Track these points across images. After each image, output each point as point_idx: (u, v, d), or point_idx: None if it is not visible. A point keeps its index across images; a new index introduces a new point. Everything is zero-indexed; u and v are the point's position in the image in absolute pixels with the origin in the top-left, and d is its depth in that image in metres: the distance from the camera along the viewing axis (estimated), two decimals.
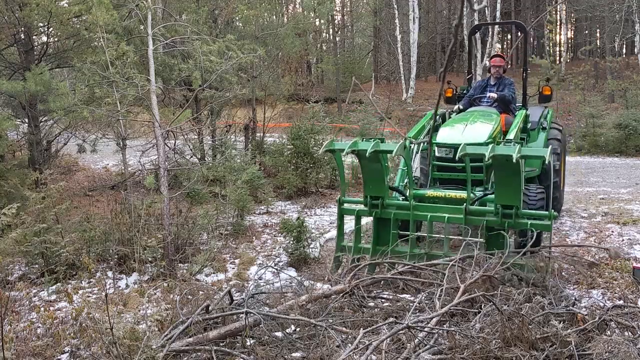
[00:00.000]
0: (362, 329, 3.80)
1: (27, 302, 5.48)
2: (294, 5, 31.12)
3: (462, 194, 5.90)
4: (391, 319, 3.99)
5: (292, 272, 6.25)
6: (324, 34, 33.09)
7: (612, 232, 7.23)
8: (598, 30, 33.07)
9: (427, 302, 4.48)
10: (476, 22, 21.61)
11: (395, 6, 27.63)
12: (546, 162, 5.29)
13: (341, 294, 4.76)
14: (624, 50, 30.70)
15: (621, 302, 4.83)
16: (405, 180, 6.35)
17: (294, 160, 10.59)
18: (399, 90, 28.52)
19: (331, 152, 5.97)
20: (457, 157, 5.33)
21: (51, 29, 9.30)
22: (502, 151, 5.07)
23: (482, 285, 4.62)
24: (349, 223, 6.85)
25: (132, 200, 6.81)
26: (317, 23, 28.11)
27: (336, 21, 34.19)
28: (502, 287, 4.59)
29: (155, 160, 7.73)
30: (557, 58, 36.07)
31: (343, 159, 6.07)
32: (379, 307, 4.82)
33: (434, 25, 35.48)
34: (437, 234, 5.94)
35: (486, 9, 24.41)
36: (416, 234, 5.80)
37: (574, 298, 4.85)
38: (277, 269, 6.19)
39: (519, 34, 16.17)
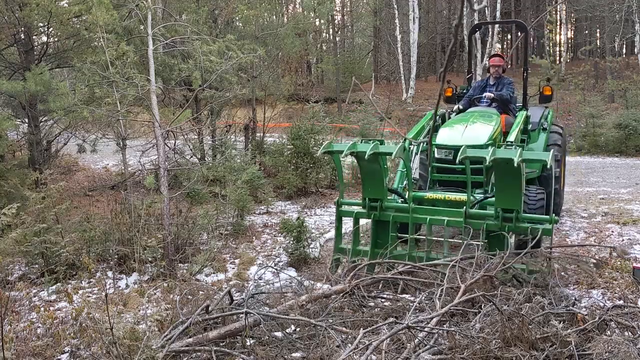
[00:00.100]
0: (362, 329, 3.80)
1: (27, 302, 5.48)
2: (294, 5, 31.14)
3: (461, 196, 5.83)
4: (391, 319, 3.99)
5: (292, 272, 6.25)
6: (324, 34, 33.10)
7: (612, 232, 7.23)
8: (598, 30, 33.08)
9: (427, 302, 4.48)
10: (476, 22, 21.63)
11: (395, 6, 27.63)
12: (548, 166, 5.23)
13: (341, 294, 4.75)
14: (624, 50, 30.70)
15: (621, 302, 4.83)
16: (405, 182, 6.29)
17: (294, 160, 10.59)
18: (399, 90, 28.52)
19: (329, 154, 5.92)
20: (457, 160, 5.27)
21: (51, 29, 9.30)
22: (503, 154, 5.02)
23: (483, 285, 4.61)
24: (348, 223, 6.83)
25: (132, 200, 6.81)
26: (317, 23, 28.12)
27: (336, 21, 34.20)
28: (502, 287, 4.59)
29: (155, 160, 7.73)
30: (557, 58, 36.07)
31: (342, 159, 6.03)
32: (379, 306, 4.82)
33: (434, 25, 35.48)
34: (436, 235, 5.90)
35: (486, 9, 24.41)
36: (415, 235, 5.73)
37: (574, 298, 4.85)
38: (276, 269, 6.18)
39: (519, 33, 16.15)
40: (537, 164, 6.56)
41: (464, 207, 5.47)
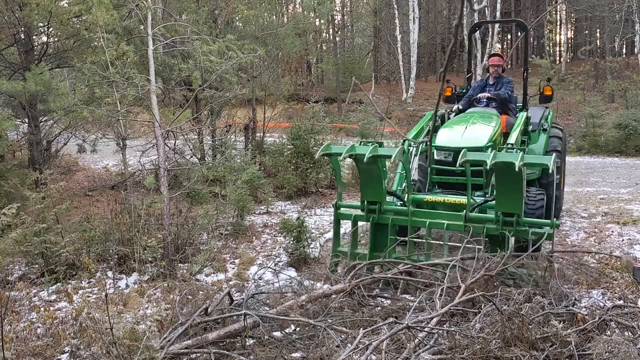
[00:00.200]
0: (362, 329, 3.80)
1: (27, 302, 5.48)
2: (294, 5, 31.15)
3: (461, 199, 5.76)
4: (391, 319, 3.99)
5: (292, 272, 6.25)
6: (324, 34, 33.11)
7: (612, 232, 7.23)
8: (598, 30, 33.09)
9: (427, 302, 4.47)
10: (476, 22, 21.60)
11: (395, 6, 27.64)
12: (550, 171, 5.18)
13: (341, 294, 4.74)
14: (624, 50, 30.71)
15: (621, 302, 4.83)
16: (404, 185, 6.22)
17: (294, 160, 10.59)
18: (399, 90, 28.53)
19: (328, 156, 5.83)
20: (458, 164, 5.22)
21: (51, 29, 9.30)
22: (504, 158, 4.96)
23: (483, 285, 4.60)
24: (348, 224, 6.81)
25: (132, 200, 6.81)
26: (317, 23, 28.13)
27: (336, 21, 34.22)
28: (502, 287, 4.58)
29: (155, 160, 7.73)
30: (557, 58, 36.08)
31: (341, 161, 5.95)
32: (380, 306, 4.81)
33: (434, 25, 35.49)
34: (435, 238, 5.82)
35: (486, 9, 24.43)
36: (414, 236, 5.66)
37: (574, 298, 4.85)
38: (274, 269, 6.16)
39: (520, 33, 16.16)
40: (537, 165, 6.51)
41: (464, 211, 5.41)
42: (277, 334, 4.29)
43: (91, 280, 6.08)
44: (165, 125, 6.95)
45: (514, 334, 3.65)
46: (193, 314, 4.27)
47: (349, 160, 6.05)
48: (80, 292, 5.74)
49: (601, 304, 4.75)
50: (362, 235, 6.59)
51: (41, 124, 9.54)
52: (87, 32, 8.54)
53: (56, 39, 10.01)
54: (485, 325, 3.90)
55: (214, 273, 6.30)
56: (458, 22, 2.78)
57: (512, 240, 5.14)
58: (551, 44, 37.37)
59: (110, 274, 6.21)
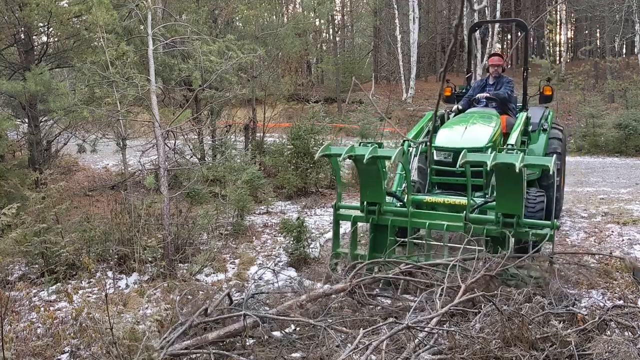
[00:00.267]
0: (362, 329, 3.80)
1: (27, 302, 5.48)
2: (294, 5, 31.16)
3: (461, 200, 5.73)
4: (391, 319, 3.99)
5: (292, 272, 6.25)
6: (324, 34, 33.12)
7: (612, 232, 7.23)
8: (598, 30, 33.10)
9: (427, 302, 4.47)
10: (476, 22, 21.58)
11: (395, 6, 27.65)
12: (550, 172, 5.14)
13: (342, 293, 4.72)
14: (624, 50, 30.71)
15: (621, 302, 4.83)
16: (403, 185, 6.18)
17: (294, 160, 10.59)
18: (399, 90, 28.54)
19: (327, 157, 5.79)
20: (458, 165, 5.18)
21: (51, 29, 9.30)
22: (504, 159, 4.93)
23: (483, 284, 4.60)
24: (347, 224, 6.78)
25: (132, 200, 6.81)
26: (317, 23, 28.14)
27: (336, 21, 34.23)
28: (502, 287, 4.57)
29: (155, 160, 7.73)
30: (557, 58, 36.10)
31: (340, 162, 5.90)
32: (380, 306, 4.81)
33: (434, 25, 35.50)
34: (435, 238, 5.78)
35: (486, 8, 24.43)
36: (413, 237, 5.63)
37: (574, 298, 4.84)
38: (273, 269, 6.14)
39: (520, 33, 16.14)
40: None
41: (464, 212, 5.38)
42: (277, 333, 4.29)
43: (91, 280, 6.08)
44: (165, 125, 6.95)
45: (514, 334, 3.65)
46: (193, 315, 4.27)
47: (349, 160, 6.00)
48: (80, 292, 5.74)
49: (601, 304, 4.75)
50: (362, 235, 6.58)
51: (41, 124, 9.55)
52: (87, 32, 8.54)
53: (56, 39, 10.02)
54: (485, 325, 3.90)
55: (214, 273, 6.30)
56: (458, 22, 2.78)
57: (512, 240, 5.12)
58: (551, 44, 37.39)
59: (110, 274, 6.21)
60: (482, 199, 5.80)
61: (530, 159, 5.22)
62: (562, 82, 21.37)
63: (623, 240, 6.86)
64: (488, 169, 4.92)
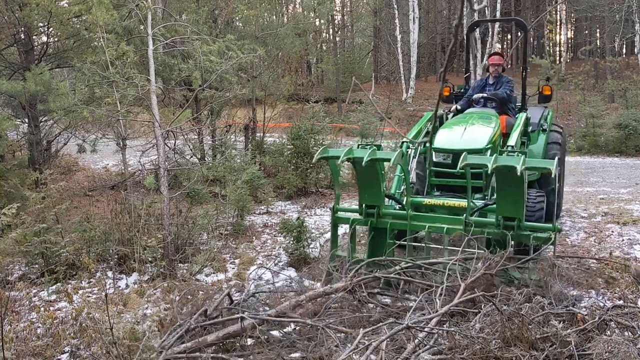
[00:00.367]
0: (362, 329, 3.80)
1: (27, 302, 5.49)
2: (294, 5, 31.17)
3: (461, 202, 5.66)
4: (391, 319, 3.98)
5: (292, 272, 6.25)
6: (324, 34, 33.13)
7: (612, 232, 7.22)
8: (598, 30, 33.11)
9: (427, 302, 4.46)
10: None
11: (395, 6, 27.65)
12: (552, 175, 5.04)
13: (342, 292, 4.69)
14: (624, 50, 30.72)
15: (621, 302, 4.82)
16: (402, 188, 6.11)
17: (294, 160, 10.59)
18: (399, 90, 28.54)
19: (325, 160, 5.71)
20: (458, 167, 5.11)
21: (51, 29, 9.31)
22: (505, 162, 4.87)
23: (483, 283, 4.58)
24: (346, 226, 6.67)
25: (132, 200, 6.81)
26: (317, 23, 28.15)
27: (336, 21, 34.24)
28: (503, 287, 4.56)
29: (155, 160, 7.73)
30: (557, 58, 36.10)
31: (338, 165, 5.78)
32: (380, 305, 4.79)
33: (434, 25, 35.51)
34: (435, 238, 5.72)
35: (486, 8, 24.43)
36: (413, 242, 5.54)
37: (574, 298, 4.84)
38: (270, 269, 6.13)
39: (519, 33, 16.14)
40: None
41: (464, 215, 5.32)
42: (276, 333, 4.28)
43: (91, 280, 6.08)
44: (165, 125, 6.95)
45: (513, 334, 3.65)
46: (192, 316, 4.25)
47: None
48: (80, 292, 5.74)
49: (601, 304, 4.75)
50: (361, 235, 6.56)
51: (41, 124, 9.55)
52: (87, 32, 8.55)
53: (56, 39, 10.02)
54: (485, 326, 3.90)
55: (214, 273, 6.30)
56: (458, 22, 2.78)
57: (512, 243, 5.07)
58: (551, 44, 37.40)
59: (110, 274, 6.21)
60: (482, 202, 5.72)
61: (531, 162, 5.15)
62: (562, 82, 21.36)
63: (623, 240, 6.86)
64: (489, 171, 4.86)
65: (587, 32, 36.50)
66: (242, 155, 10.35)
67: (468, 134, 6.16)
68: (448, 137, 6.23)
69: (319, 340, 3.92)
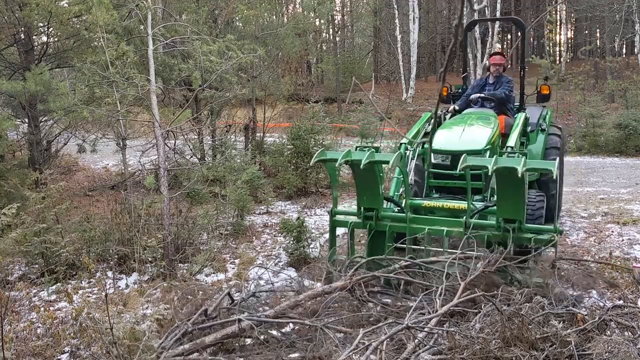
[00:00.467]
0: (362, 329, 3.80)
1: (27, 302, 5.49)
2: (294, 5, 31.17)
3: (460, 204, 5.61)
4: (391, 319, 3.98)
5: (292, 272, 6.25)
6: (324, 34, 33.12)
7: (612, 232, 7.23)
8: (598, 30, 33.11)
9: (426, 301, 4.45)
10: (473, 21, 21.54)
11: (395, 6, 27.65)
12: (554, 176, 5.01)
13: (341, 291, 4.67)
14: (624, 50, 30.71)
15: (621, 302, 4.82)
16: (401, 190, 6.04)
17: (294, 160, 10.59)
18: (399, 90, 28.54)
19: (323, 162, 5.63)
20: (458, 169, 5.04)
21: (51, 29, 9.31)
22: (506, 163, 4.81)
23: (484, 282, 4.57)
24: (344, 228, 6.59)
25: (132, 200, 6.81)
26: (317, 23, 28.14)
27: (336, 21, 34.24)
28: (503, 287, 4.56)
29: (155, 160, 7.74)
30: (557, 58, 36.10)
31: (337, 168, 5.70)
32: (380, 304, 4.78)
33: (434, 25, 35.51)
34: (434, 239, 5.64)
35: (486, 8, 24.43)
36: (413, 236, 5.48)
37: (574, 298, 4.83)
38: (267, 268, 6.12)
39: (519, 33, 16.09)
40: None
41: (464, 217, 5.28)
42: (275, 333, 4.28)
43: (91, 280, 6.08)
44: (165, 125, 6.95)
45: (513, 334, 3.65)
46: (191, 316, 4.23)
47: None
48: (80, 292, 5.74)
49: (601, 304, 4.75)
50: (361, 235, 6.55)
51: (41, 124, 9.55)
52: (87, 32, 8.55)
53: (56, 39, 10.02)
54: (485, 326, 3.89)
55: (214, 273, 6.31)
56: (458, 22, 2.77)
57: (512, 245, 5.04)
58: (551, 44, 37.40)
59: (110, 274, 6.21)
60: (482, 203, 5.67)
61: (532, 163, 5.10)
62: (562, 82, 21.36)
63: (623, 240, 6.86)
64: (489, 173, 4.81)
65: (587, 32, 36.50)
66: (242, 155, 10.35)
67: (467, 134, 6.11)
68: (446, 138, 6.16)
69: (317, 341, 3.91)
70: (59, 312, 5.24)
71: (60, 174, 11.52)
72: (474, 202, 5.59)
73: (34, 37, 9.36)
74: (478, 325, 3.90)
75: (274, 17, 20.30)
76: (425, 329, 3.80)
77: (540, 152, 7.03)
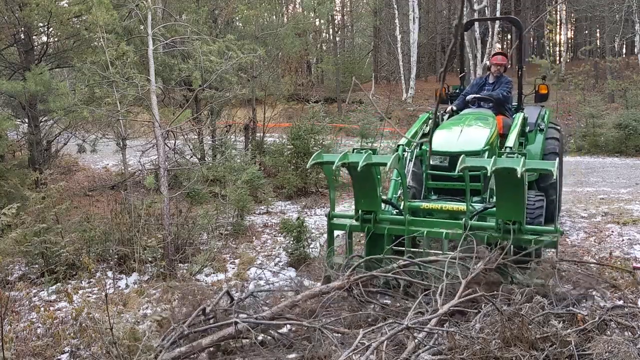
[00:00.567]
0: (361, 329, 3.79)
1: (27, 302, 5.49)
2: (294, 5, 31.17)
3: (459, 206, 5.57)
4: (390, 320, 3.97)
5: (292, 272, 6.25)
6: (324, 34, 33.11)
7: (612, 232, 7.23)
8: (598, 30, 33.11)
9: (425, 301, 4.44)
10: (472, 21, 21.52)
11: (395, 6, 27.65)
12: (553, 177, 4.96)
13: (340, 290, 4.64)
14: (624, 50, 30.72)
15: (621, 302, 4.82)
16: (399, 192, 5.96)
17: (294, 160, 10.59)
18: (399, 90, 28.53)
19: (319, 165, 5.55)
20: (457, 171, 4.97)
21: (51, 29, 9.31)
22: (505, 164, 4.76)
23: (484, 281, 4.56)
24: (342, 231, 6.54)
25: (132, 200, 6.81)
26: (317, 23, 28.13)
27: (336, 21, 34.23)
28: (503, 286, 4.54)
29: (155, 160, 7.74)
30: (557, 58, 36.10)
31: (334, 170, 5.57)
32: (379, 304, 4.76)
33: (434, 25, 35.51)
34: (433, 244, 5.59)
35: (486, 8, 24.43)
36: (412, 249, 5.42)
37: (574, 297, 4.83)
38: (262, 269, 6.11)
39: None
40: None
41: (463, 219, 5.23)
42: (273, 333, 4.27)
43: (91, 280, 6.08)
44: (165, 125, 6.95)
45: (513, 334, 3.65)
46: (188, 317, 4.21)
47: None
48: (80, 292, 5.74)
49: (601, 304, 4.75)
50: (361, 235, 6.53)
51: (41, 124, 9.56)
52: (87, 32, 8.55)
53: (56, 39, 10.03)
54: (485, 326, 3.89)
55: (214, 273, 6.31)
56: (458, 22, 2.76)
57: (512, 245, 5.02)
58: (551, 44, 37.41)
59: (110, 274, 6.21)
60: (482, 205, 5.63)
61: (532, 164, 5.05)
62: (562, 82, 21.36)
63: (623, 240, 6.86)
64: (489, 174, 4.77)
65: (587, 32, 36.50)
66: (242, 155, 10.35)
67: (465, 135, 6.05)
68: (444, 139, 6.09)
69: (316, 342, 3.90)
70: (59, 312, 5.24)
71: (60, 174, 11.52)
72: (473, 204, 5.54)
73: (34, 37, 9.37)
74: (478, 325, 3.90)
75: (274, 17, 20.30)
76: (425, 329, 3.80)
77: (539, 152, 7.01)
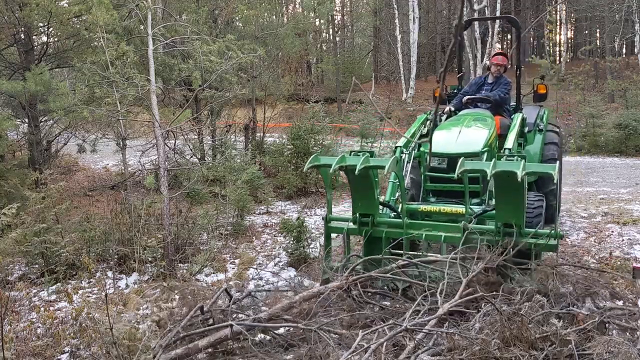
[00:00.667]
0: (360, 330, 3.79)
1: (27, 302, 5.49)
2: (294, 5, 31.17)
3: (458, 208, 5.53)
4: (390, 320, 3.97)
5: (292, 272, 6.25)
6: (324, 34, 33.11)
7: (612, 232, 7.23)
8: (598, 30, 33.10)
9: (425, 301, 4.43)
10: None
11: (395, 6, 27.65)
12: (554, 180, 4.91)
13: (338, 291, 4.63)
14: (624, 50, 30.71)
15: (621, 302, 4.82)
16: (397, 194, 5.90)
17: (294, 160, 10.59)
18: (399, 90, 28.53)
19: (316, 168, 5.53)
20: (456, 174, 4.88)
21: (51, 29, 9.31)
22: (505, 167, 4.70)
23: (484, 280, 4.55)
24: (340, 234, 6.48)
25: (132, 200, 6.81)
26: (317, 23, 28.13)
27: (336, 21, 34.22)
28: (503, 286, 4.53)
29: (155, 160, 7.74)
30: (557, 58, 36.08)
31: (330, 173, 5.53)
32: (378, 305, 4.75)
33: (434, 25, 35.49)
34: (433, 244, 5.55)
35: (486, 8, 24.42)
36: (411, 252, 5.36)
37: (574, 298, 4.82)
38: (258, 270, 6.10)
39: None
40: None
41: (462, 221, 5.15)
42: (271, 334, 4.27)
43: (91, 280, 6.09)
44: (165, 125, 6.95)
45: (513, 333, 3.65)
46: (185, 318, 4.20)
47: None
48: (80, 292, 5.74)
49: (601, 305, 4.74)
50: (359, 239, 6.51)
51: (41, 124, 9.56)
52: (87, 32, 8.55)
53: (56, 39, 10.03)
54: (485, 326, 3.89)
55: (214, 273, 6.31)
56: (458, 22, 2.77)
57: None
58: (551, 44, 37.40)
59: (110, 274, 6.21)
60: (481, 208, 5.58)
61: (532, 166, 4.99)
62: (562, 82, 21.35)
63: (623, 240, 6.86)
64: (488, 177, 4.70)
65: (587, 32, 36.49)
66: (242, 155, 10.35)
67: (463, 137, 5.98)
68: (443, 141, 6.02)
69: (313, 343, 3.88)
70: (59, 312, 5.24)
71: (60, 174, 11.53)
72: (472, 206, 5.49)
73: (34, 37, 9.37)
74: (477, 325, 3.90)
75: (274, 17, 20.30)
76: (424, 330, 3.79)
77: (538, 153, 6.98)
